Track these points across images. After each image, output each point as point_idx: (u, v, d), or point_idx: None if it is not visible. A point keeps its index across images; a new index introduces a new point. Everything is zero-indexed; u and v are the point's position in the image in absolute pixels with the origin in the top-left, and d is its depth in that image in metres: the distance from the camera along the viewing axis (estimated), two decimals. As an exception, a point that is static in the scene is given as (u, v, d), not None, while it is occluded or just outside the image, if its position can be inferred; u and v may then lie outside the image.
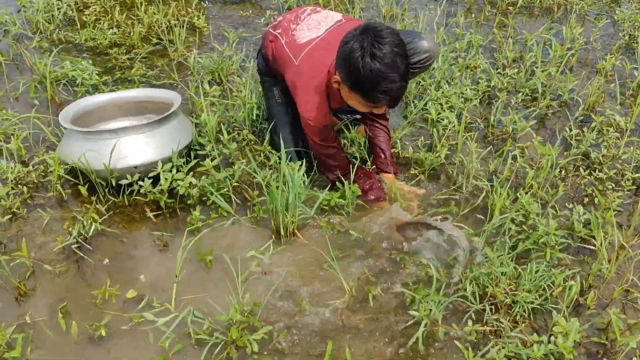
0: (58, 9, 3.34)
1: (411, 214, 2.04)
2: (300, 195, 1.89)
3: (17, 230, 1.94)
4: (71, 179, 2.08)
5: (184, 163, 2.09)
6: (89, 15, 3.38)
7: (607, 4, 3.89)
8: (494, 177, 2.19)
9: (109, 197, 2.07)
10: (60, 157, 2.07)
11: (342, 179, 2.08)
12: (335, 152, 2.10)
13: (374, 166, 2.23)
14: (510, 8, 3.76)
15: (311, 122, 2.01)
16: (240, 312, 1.60)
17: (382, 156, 2.22)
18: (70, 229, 1.94)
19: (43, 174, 2.17)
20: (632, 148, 2.38)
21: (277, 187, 1.84)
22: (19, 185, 2.09)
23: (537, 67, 2.89)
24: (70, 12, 3.39)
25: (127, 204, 2.07)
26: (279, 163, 2.16)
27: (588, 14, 3.74)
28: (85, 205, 2.06)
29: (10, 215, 1.97)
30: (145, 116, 2.44)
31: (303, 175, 1.94)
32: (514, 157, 2.30)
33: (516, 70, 2.89)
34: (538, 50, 2.91)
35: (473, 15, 3.62)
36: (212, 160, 2.07)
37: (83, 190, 2.03)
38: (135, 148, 2.02)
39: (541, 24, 3.57)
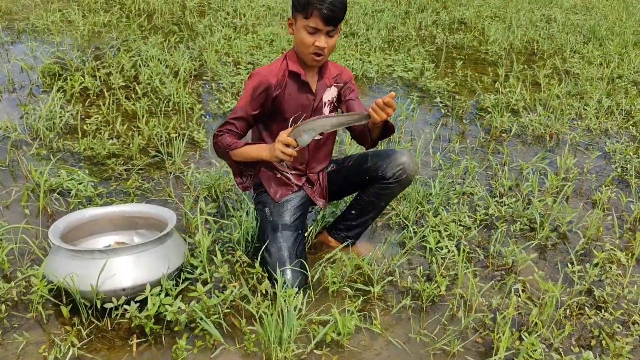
0: (60, 117, 3.38)
1: None
2: (296, 329, 1.79)
3: (-12, 354, 1.80)
4: (52, 299, 1.96)
5: (173, 286, 2.00)
6: (90, 124, 3.41)
7: (597, 135, 4.00)
8: (496, 312, 2.11)
9: (92, 319, 1.95)
10: (46, 274, 1.97)
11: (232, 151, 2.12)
12: (221, 138, 2.14)
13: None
14: (504, 135, 3.86)
15: (233, 112, 2.17)
16: None
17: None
18: (46, 354, 1.81)
19: (24, 290, 2.06)
20: (635, 287, 2.33)
21: (271, 319, 1.74)
22: (-4, 304, 1.97)
23: (533, 197, 2.90)
24: (73, 120, 3.43)
25: (110, 327, 1.95)
26: (272, 287, 2.08)
27: (580, 144, 3.84)
28: (65, 327, 1.93)
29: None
30: (137, 231, 2.37)
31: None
32: (516, 292, 2.23)
33: (514, 199, 2.90)
34: (534, 180, 2.93)
35: (468, 140, 3.70)
36: (203, 284, 1.98)
37: (65, 311, 1.92)
38: (125, 269, 1.94)
39: (534, 151, 3.66)
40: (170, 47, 4.77)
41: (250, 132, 2.37)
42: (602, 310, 2.21)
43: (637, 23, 6.98)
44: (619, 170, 3.47)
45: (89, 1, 6.13)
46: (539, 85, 4.85)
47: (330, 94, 2.30)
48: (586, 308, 2.22)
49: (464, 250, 2.31)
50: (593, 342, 2.06)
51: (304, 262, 2.17)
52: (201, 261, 2.16)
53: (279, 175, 2.35)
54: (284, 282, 2.05)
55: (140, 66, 4.25)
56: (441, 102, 4.29)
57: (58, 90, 3.62)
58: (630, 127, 4.13)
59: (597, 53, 5.84)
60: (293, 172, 2.37)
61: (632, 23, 6.95)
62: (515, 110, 4.26)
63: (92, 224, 2.28)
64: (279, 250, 2.19)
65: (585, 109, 4.29)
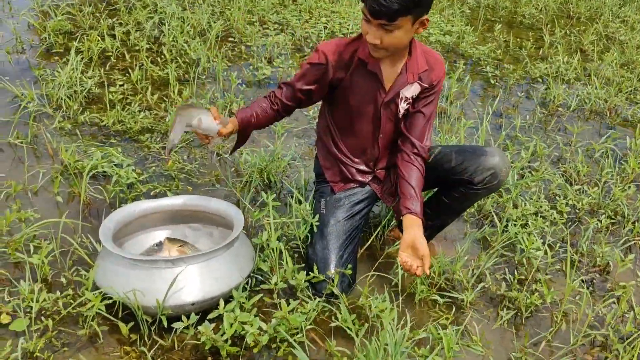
0: (81, 84, 3.03)
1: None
2: (399, 355, 1.54)
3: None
4: (107, 314, 1.68)
5: (246, 298, 1.74)
6: (115, 93, 3.06)
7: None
8: (609, 329, 1.87)
9: (154, 337, 1.69)
10: (98, 284, 1.70)
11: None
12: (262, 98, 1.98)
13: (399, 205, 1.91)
14: (561, 109, 3.57)
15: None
16: None
17: (412, 193, 1.88)
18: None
19: (71, 301, 1.78)
20: None
21: (376, 347, 1.49)
22: (42, 319, 1.69)
23: (614, 185, 2.64)
24: (96, 88, 3.08)
25: (175, 347, 1.68)
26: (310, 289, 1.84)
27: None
28: (124, 347, 1.67)
29: (33, 365, 1.57)
30: (189, 225, 2.09)
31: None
32: (618, 300, 2.00)
33: (595, 187, 2.64)
34: (611, 164, 2.67)
35: (527, 117, 3.41)
36: (287, 302, 1.72)
37: (124, 329, 1.65)
38: (194, 280, 1.67)
39: (593, 127, 3.38)
40: (190, 3, 4.36)
41: (319, 117, 2.08)
42: None
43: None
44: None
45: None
46: (584, 53, 4.53)
47: (411, 91, 1.90)
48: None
49: (571, 259, 2.05)
50: None
51: (350, 268, 1.93)
52: (271, 266, 1.89)
53: (341, 167, 2.07)
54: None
55: (162, 24, 3.87)
56: (490, 73, 3.96)
57: (76, 53, 3.24)
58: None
59: (636, 17, 5.50)
60: (359, 167, 2.08)
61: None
62: (567, 81, 3.95)
63: (142, 218, 1.99)
64: (324, 249, 1.94)
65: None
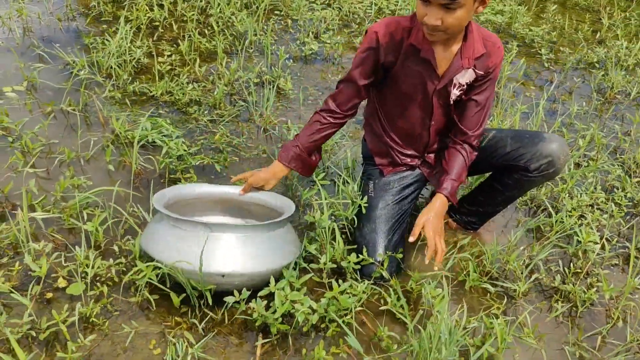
0: (130, 54, 3.03)
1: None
2: (453, 344, 1.51)
3: (94, 346, 1.56)
4: (160, 285, 1.69)
5: (296, 277, 1.72)
6: (163, 63, 3.06)
7: None
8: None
9: (205, 310, 1.69)
10: (143, 247, 1.69)
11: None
12: (316, 117, 1.92)
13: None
14: (619, 97, 3.43)
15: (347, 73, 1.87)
16: None
17: (449, 174, 1.87)
18: (157, 352, 1.56)
19: (124, 269, 1.79)
20: None
21: (431, 334, 1.46)
22: (97, 284, 1.71)
23: (676, 179, 2.54)
24: (144, 58, 3.07)
25: (225, 321, 1.68)
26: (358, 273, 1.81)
27: None
28: (175, 318, 1.67)
29: (91, 333, 1.59)
30: (247, 220, 2.06)
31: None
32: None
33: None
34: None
35: (584, 103, 3.29)
36: (337, 281, 1.70)
37: (175, 300, 1.66)
38: (229, 252, 1.63)
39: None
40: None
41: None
42: None
43: None
44: None
45: None
46: (645, 39, 4.34)
47: (466, 77, 1.81)
48: None
49: (633, 252, 1.97)
50: None
51: (400, 251, 1.90)
52: (321, 244, 1.87)
53: (391, 152, 2.02)
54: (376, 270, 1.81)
55: (208, -5, 3.84)
56: (545, 56, 3.82)
57: (125, 22, 3.24)
58: None
59: (702, 2, 5.24)
60: (408, 152, 2.03)
61: None
62: (627, 67, 3.79)
63: (199, 201, 1.97)
64: (372, 232, 1.90)
65: None
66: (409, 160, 2.03)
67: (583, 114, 3.16)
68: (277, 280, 1.68)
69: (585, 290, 1.89)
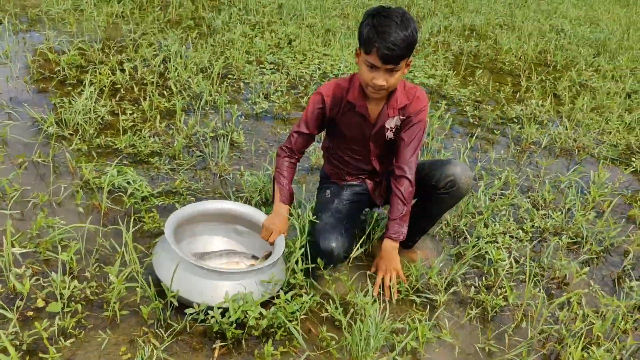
0: (95, 112, 3.33)
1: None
2: (379, 337, 1.81)
3: (71, 355, 1.78)
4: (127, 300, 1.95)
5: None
6: (126, 120, 3.37)
7: (623, 151, 4.09)
8: (562, 326, 2.15)
9: (169, 322, 1.94)
10: (157, 274, 1.99)
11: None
12: (279, 159, 2.35)
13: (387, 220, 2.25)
14: (533, 147, 3.92)
15: (297, 123, 2.32)
16: None
17: (390, 218, 2.23)
18: (127, 356, 1.80)
19: (97, 291, 2.04)
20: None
21: (360, 328, 1.76)
22: (72, 303, 1.95)
23: (576, 210, 2.96)
24: (108, 116, 3.38)
25: (187, 329, 1.94)
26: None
27: (607, 158, 3.92)
28: (143, 328, 1.92)
29: (69, 339, 1.82)
30: (235, 227, 2.39)
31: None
32: (570, 304, 2.29)
33: (559, 212, 2.96)
34: (575, 194, 3.00)
35: (502, 151, 3.76)
36: (285, 293, 2.00)
37: (145, 310, 1.91)
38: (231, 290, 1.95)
39: (562, 163, 3.73)
40: (190, 43, 4.74)
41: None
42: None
43: (643, 38, 7.15)
44: (648, 185, 3.56)
45: (100, -9, 6.04)
46: (558, 98, 4.93)
47: (393, 122, 2.24)
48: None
49: (531, 269, 2.34)
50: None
51: (351, 235, 2.26)
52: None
53: (343, 173, 2.44)
54: (330, 250, 2.10)
55: (167, 61, 4.22)
56: (470, 113, 4.33)
57: (89, 84, 3.56)
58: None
59: (608, 67, 5.96)
60: (358, 173, 2.43)
61: (638, 38, 7.11)
62: (540, 122, 4.33)
63: (201, 217, 2.30)
64: (330, 217, 2.21)
65: (608, 123, 4.39)
66: (359, 176, 2.45)
67: (501, 161, 3.62)
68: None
69: (494, 297, 2.23)
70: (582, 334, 2.10)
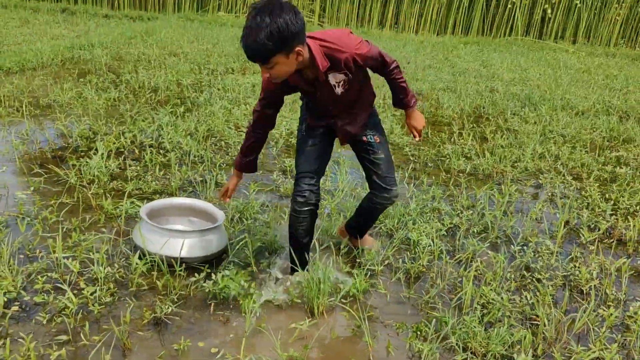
0: (106, 167, 4.20)
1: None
2: (326, 287, 2.62)
3: (108, 312, 2.56)
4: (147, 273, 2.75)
5: (235, 273, 2.82)
6: (131, 172, 4.24)
7: (533, 173, 5.04)
8: (463, 278, 2.98)
9: (179, 292, 2.74)
10: (137, 243, 2.86)
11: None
12: (248, 130, 2.85)
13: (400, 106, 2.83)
14: (461, 174, 4.84)
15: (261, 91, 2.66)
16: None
17: (399, 97, 2.76)
18: (146, 315, 2.58)
19: (124, 276, 2.84)
20: (559, 262, 3.25)
21: (314, 274, 2.58)
22: (106, 283, 2.74)
23: (485, 212, 3.85)
24: (116, 169, 4.25)
25: (191, 295, 2.74)
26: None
27: (520, 179, 4.86)
28: (159, 297, 2.71)
29: (102, 306, 2.61)
30: (190, 218, 3.35)
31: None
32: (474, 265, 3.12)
33: (471, 212, 3.84)
34: (485, 200, 3.89)
35: (433, 177, 4.68)
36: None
37: (163, 279, 2.70)
38: (190, 246, 2.87)
39: (484, 184, 4.64)
40: (178, 117, 5.70)
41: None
42: (536, 273, 3.11)
43: (563, 92, 8.32)
44: (550, 194, 4.47)
45: (96, 81, 7.05)
46: (486, 139, 5.92)
47: (336, 78, 2.49)
48: (525, 275, 3.12)
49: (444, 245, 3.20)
50: (530, 291, 2.94)
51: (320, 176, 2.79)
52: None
53: (314, 115, 2.81)
54: (301, 191, 2.69)
55: (160, 129, 5.15)
56: (410, 153, 5.29)
57: (99, 150, 4.44)
58: (558, 166, 5.19)
59: (532, 115, 7.03)
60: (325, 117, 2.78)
61: (559, 92, 8.28)
62: (468, 156, 5.29)
63: (165, 209, 3.28)
64: (305, 162, 2.74)
65: (523, 154, 5.36)
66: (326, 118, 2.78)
67: (434, 184, 4.52)
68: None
69: (414, 263, 3.06)
70: (477, 281, 2.92)
